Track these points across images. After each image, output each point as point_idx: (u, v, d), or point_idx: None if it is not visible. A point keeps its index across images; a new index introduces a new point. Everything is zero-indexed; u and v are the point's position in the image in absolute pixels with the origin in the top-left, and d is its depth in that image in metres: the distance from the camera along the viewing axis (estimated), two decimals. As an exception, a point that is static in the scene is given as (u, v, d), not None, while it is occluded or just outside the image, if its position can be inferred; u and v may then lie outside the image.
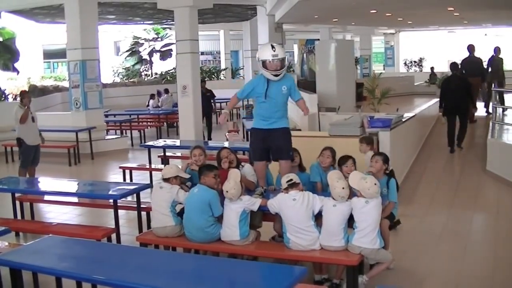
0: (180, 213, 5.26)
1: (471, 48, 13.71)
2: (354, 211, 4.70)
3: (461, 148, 11.07)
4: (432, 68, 25.64)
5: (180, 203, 5.28)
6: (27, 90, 13.85)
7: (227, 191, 4.92)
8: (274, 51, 5.34)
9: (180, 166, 5.68)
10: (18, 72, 22.14)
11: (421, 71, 30.76)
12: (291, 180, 4.84)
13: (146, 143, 11.41)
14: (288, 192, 4.83)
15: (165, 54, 28.35)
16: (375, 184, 4.65)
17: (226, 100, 20.27)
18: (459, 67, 11.85)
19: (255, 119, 5.75)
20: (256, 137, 5.76)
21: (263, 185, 5.57)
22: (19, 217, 7.23)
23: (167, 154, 10.19)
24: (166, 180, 5.33)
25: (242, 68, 27.06)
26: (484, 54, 15.15)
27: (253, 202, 4.97)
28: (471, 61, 13.52)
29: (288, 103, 5.76)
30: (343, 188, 4.68)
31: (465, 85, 10.79)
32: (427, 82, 23.52)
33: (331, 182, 4.79)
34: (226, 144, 9.45)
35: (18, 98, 9.76)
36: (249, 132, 11.97)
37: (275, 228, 5.30)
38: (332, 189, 4.76)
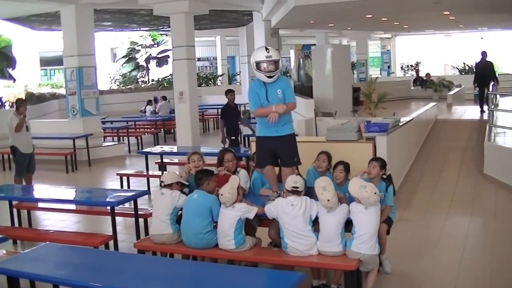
0: (179, 221, 5.24)
1: None
2: (352, 215, 4.69)
3: (482, 109, 15.29)
4: (417, 71, 27.71)
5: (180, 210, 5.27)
6: (23, 98, 13.83)
7: (221, 194, 4.90)
8: (268, 52, 5.31)
9: (177, 172, 5.66)
10: (14, 80, 22.16)
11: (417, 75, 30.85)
12: (297, 187, 4.80)
13: (144, 150, 11.38)
14: (287, 197, 4.82)
15: (161, 61, 28.36)
16: (375, 193, 4.63)
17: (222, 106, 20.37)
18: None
19: (259, 127, 5.59)
20: (260, 145, 5.59)
21: (276, 189, 5.48)
22: (16, 224, 7.23)
23: (164, 160, 10.18)
24: (167, 186, 5.32)
25: (239, 74, 27.07)
26: (479, 57, 15.77)
27: (249, 210, 4.94)
28: None
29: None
30: (328, 200, 4.64)
31: (489, 67, 15.58)
32: (421, 86, 23.43)
33: (316, 192, 4.75)
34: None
35: (15, 106, 9.72)
36: (245, 138, 11.98)
37: (269, 234, 5.28)
38: (319, 199, 4.75)
